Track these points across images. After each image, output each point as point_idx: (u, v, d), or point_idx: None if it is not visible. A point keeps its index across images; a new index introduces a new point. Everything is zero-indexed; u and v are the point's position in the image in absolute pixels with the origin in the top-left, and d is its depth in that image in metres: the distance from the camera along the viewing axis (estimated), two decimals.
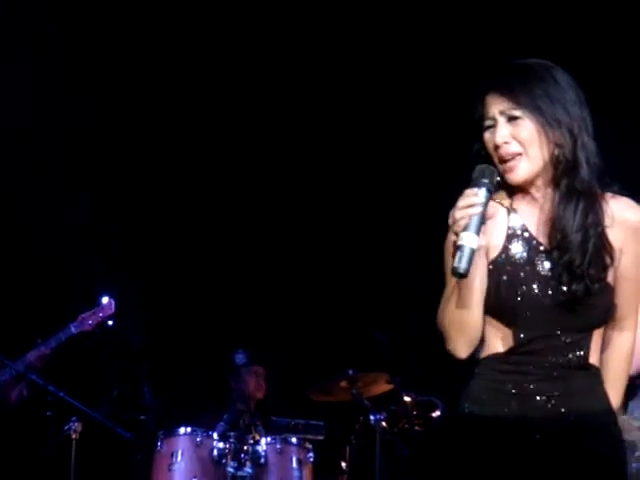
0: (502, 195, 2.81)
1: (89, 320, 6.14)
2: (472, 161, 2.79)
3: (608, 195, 2.78)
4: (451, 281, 2.75)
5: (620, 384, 2.87)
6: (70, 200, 7.09)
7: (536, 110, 2.72)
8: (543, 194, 2.77)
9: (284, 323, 7.50)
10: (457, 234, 2.61)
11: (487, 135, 2.76)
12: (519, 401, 2.73)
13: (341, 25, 7.01)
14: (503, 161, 2.73)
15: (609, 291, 2.76)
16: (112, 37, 7.02)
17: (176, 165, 7.54)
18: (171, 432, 6.24)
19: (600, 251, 2.73)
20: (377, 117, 7.29)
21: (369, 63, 7.13)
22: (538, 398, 2.72)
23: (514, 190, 2.80)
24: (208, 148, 7.54)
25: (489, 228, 2.71)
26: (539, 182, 2.77)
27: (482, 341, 2.79)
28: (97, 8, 6.94)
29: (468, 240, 2.59)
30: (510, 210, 2.79)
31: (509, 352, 2.75)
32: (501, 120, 2.74)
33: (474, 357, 2.82)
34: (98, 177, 7.23)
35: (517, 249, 2.75)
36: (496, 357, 2.77)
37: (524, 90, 2.73)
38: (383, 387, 6.60)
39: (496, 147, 2.73)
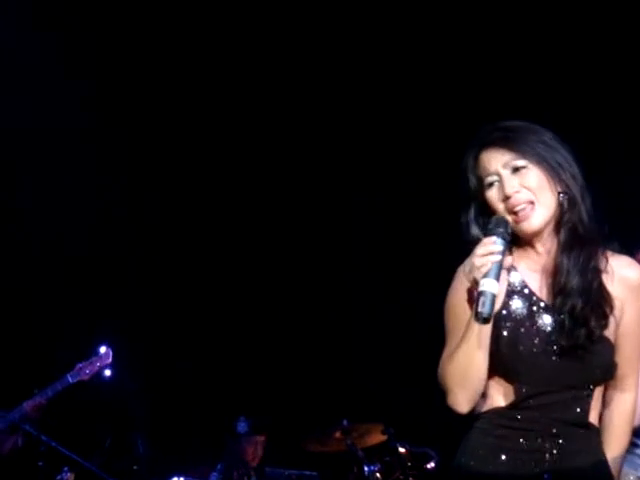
0: None
1: (86, 370, 6.11)
2: (463, 232, 2.82)
3: (608, 252, 2.81)
4: (453, 336, 2.76)
5: (621, 446, 2.86)
6: (68, 249, 7.10)
7: (539, 157, 2.75)
8: (545, 248, 2.79)
9: (280, 374, 7.48)
10: (477, 281, 2.63)
11: (491, 192, 2.77)
12: (517, 457, 2.72)
13: (342, 32, 7.00)
14: (514, 212, 2.74)
15: (609, 348, 2.77)
16: (112, 37, 7.01)
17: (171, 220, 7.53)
18: None
19: (600, 299, 2.75)
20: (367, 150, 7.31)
21: (366, 73, 7.12)
22: (537, 455, 2.71)
23: (514, 247, 2.81)
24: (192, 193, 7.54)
25: None
26: (545, 233, 2.78)
27: (482, 395, 2.78)
28: (97, 8, 6.96)
29: (489, 286, 2.62)
30: (510, 267, 2.78)
31: (510, 407, 2.74)
32: (505, 173, 2.76)
33: (473, 410, 2.81)
34: (98, 222, 7.24)
35: (517, 305, 2.77)
36: (497, 412, 2.76)
37: (523, 140, 2.76)
38: (377, 438, 6.57)
39: (506, 198, 2.74)
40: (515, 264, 2.80)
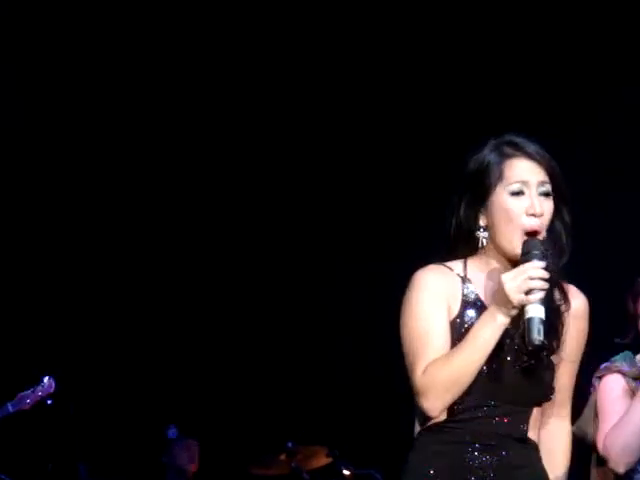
0: (457, 264, 2.84)
1: (27, 399, 6.04)
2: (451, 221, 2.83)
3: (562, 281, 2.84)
4: (430, 341, 2.72)
5: (565, 469, 2.88)
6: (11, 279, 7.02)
7: (563, 194, 2.80)
8: (503, 265, 2.78)
9: (223, 396, 7.43)
10: (523, 307, 2.63)
11: (516, 200, 2.75)
12: (460, 473, 2.72)
13: (340, 43, 7.02)
14: (528, 232, 2.74)
15: (553, 371, 2.79)
16: (111, 36, 6.97)
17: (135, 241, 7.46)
18: None
19: (557, 323, 2.78)
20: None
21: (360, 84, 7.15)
22: (479, 470, 2.71)
23: (469, 259, 2.83)
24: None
25: (448, 290, 2.78)
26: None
27: (420, 410, 2.76)
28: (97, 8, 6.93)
29: (539, 311, 2.63)
30: (465, 279, 2.81)
31: (452, 420, 2.74)
32: (536, 191, 2.76)
33: (414, 427, 2.81)
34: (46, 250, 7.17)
35: (471, 315, 2.77)
36: (438, 426, 2.75)
37: (559, 171, 2.80)
38: (322, 460, 6.55)
39: (532, 215, 2.73)
40: (470, 276, 2.82)
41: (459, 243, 2.84)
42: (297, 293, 7.38)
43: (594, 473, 3.73)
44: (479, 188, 2.80)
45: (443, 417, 2.74)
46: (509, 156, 2.79)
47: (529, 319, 2.63)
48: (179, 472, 6.77)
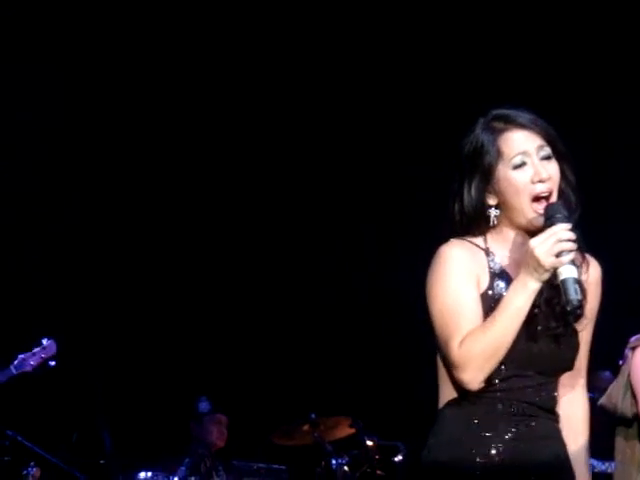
0: (477, 239, 2.83)
1: (30, 361, 6.05)
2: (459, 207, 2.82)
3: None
4: (463, 314, 2.71)
5: (585, 438, 2.90)
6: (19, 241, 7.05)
7: (562, 151, 2.79)
8: (521, 236, 2.78)
9: (247, 368, 7.46)
10: (556, 268, 2.63)
11: (521, 172, 2.74)
12: (489, 444, 2.72)
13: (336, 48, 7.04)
14: (539, 198, 2.74)
15: (577, 339, 2.80)
16: (111, 36, 7.00)
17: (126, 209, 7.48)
18: (131, 477, 6.17)
19: (583, 290, 2.75)
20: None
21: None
22: (509, 441, 2.72)
23: (488, 234, 2.83)
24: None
25: (475, 263, 2.77)
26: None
27: (448, 382, 2.77)
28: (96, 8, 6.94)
29: (573, 272, 2.63)
30: (488, 252, 2.81)
31: (480, 391, 2.73)
32: (537, 157, 2.76)
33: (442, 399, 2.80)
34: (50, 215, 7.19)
35: (501, 286, 2.77)
36: (467, 397, 2.75)
37: (552, 131, 2.79)
38: (345, 431, 6.57)
39: (540, 182, 2.73)
40: (492, 250, 2.81)
41: (469, 226, 2.83)
42: (322, 267, 7.40)
43: (621, 446, 3.70)
44: (480, 169, 2.78)
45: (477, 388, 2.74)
46: (501, 131, 2.78)
47: (564, 280, 2.63)
48: (206, 445, 6.78)
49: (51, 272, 7.14)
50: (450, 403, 2.79)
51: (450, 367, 2.72)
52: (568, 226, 2.65)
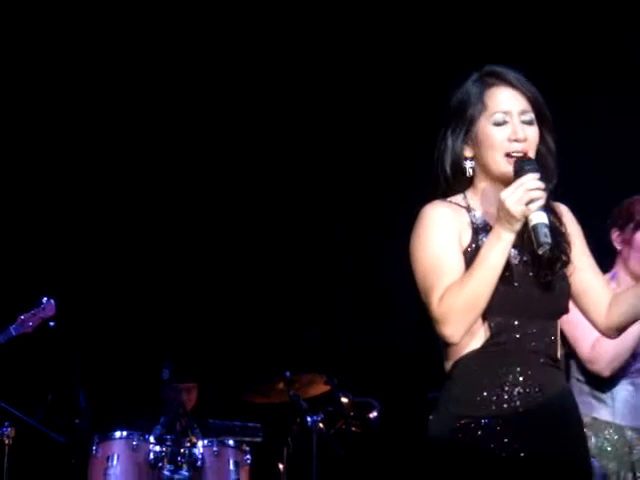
0: (457, 197, 2.91)
1: (29, 322, 6.00)
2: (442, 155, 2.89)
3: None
4: (444, 270, 2.77)
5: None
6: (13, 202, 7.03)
7: (546, 119, 2.88)
8: (499, 189, 2.81)
9: (221, 326, 7.48)
10: (527, 216, 2.70)
11: (499, 129, 2.83)
12: (503, 395, 2.78)
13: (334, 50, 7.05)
14: (509, 155, 2.81)
15: (568, 281, 2.89)
16: (111, 35, 6.98)
17: (116, 176, 7.47)
18: (106, 436, 6.18)
19: (561, 234, 2.90)
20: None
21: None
22: (523, 390, 2.78)
23: (467, 192, 2.91)
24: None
25: (457, 221, 2.84)
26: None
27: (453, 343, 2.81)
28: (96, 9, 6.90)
29: (543, 217, 2.72)
30: (469, 209, 2.88)
31: (486, 345, 2.80)
32: (518, 118, 2.83)
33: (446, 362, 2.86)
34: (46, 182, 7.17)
35: (485, 240, 2.82)
36: (475, 352, 2.80)
37: (540, 97, 2.87)
38: (320, 388, 6.60)
39: (515, 141, 2.81)
40: (472, 205, 2.89)
41: (449, 179, 2.91)
42: (293, 224, 7.42)
43: None
44: (463, 119, 2.87)
45: (480, 342, 2.80)
46: (490, 85, 2.87)
47: (534, 226, 2.71)
48: (183, 413, 6.76)
49: (28, 234, 7.14)
50: (459, 361, 2.83)
51: (433, 323, 2.77)
52: (536, 176, 2.72)
